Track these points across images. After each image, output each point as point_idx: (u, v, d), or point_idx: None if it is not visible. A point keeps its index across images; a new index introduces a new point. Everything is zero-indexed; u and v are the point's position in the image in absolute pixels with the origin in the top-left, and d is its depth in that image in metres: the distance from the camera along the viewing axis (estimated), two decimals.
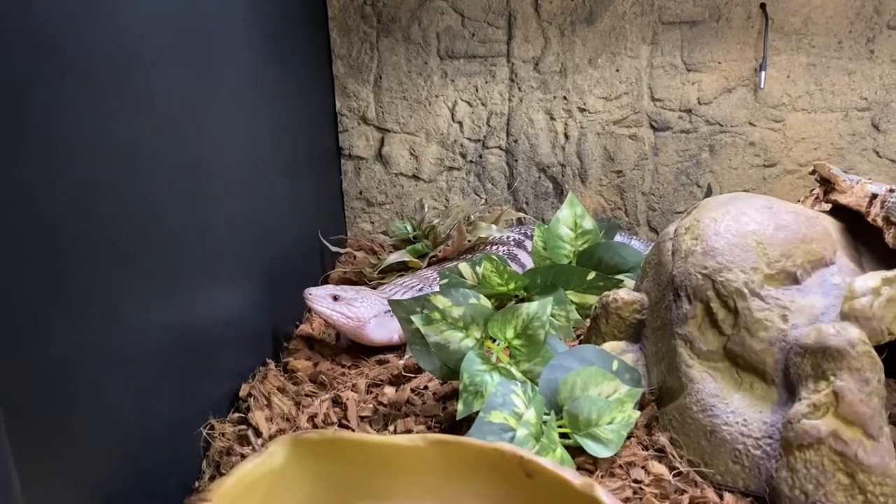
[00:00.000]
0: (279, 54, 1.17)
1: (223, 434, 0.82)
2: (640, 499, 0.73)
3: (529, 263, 1.33)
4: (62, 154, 0.55)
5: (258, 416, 0.86)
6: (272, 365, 1.00)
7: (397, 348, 1.12)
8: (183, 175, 0.77)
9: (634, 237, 1.52)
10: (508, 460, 0.62)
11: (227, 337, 0.90)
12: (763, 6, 1.47)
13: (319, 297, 1.06)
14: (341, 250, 1.46)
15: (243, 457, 0.79)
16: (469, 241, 1.37)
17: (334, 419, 0.89)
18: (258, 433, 0.84)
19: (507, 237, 1.44)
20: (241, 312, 0.95)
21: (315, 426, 0.87)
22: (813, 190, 1.11)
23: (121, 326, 0.63)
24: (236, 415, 0.88)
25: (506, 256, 1.34)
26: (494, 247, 1.39)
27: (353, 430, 0.87)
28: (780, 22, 1.48)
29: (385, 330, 1.09)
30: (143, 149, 0.68)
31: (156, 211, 0.70)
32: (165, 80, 0.74)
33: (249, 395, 0.91)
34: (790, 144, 1.56)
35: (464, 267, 1.21)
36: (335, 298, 1.07)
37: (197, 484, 0.78)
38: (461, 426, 0.84)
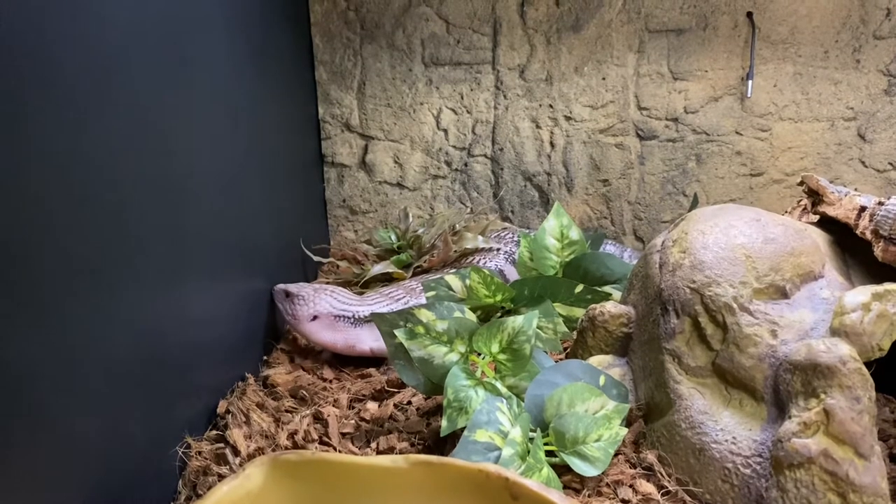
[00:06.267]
0: (260, 60, 1.14)
1: (200, 453, 0.80)
2: None
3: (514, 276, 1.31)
4: (28, 156, 0.52)
5: (236, 434, 0.83)
6: (251, 379, 0.98)
7: (379, 362, 1.09)
8: (155, 179, 0.75)
9: (627, 249, 1.50)
10: (493, 482, 0.60)
11: (204, 350, 0.87)
12: (750, 15, 1.47)
13: (276, 293, 1.09)
14: (324, 259, 1.44)
15: (221, 476, 0.77)
16: (455, 251, 1.35)
17: (315, 436, 0.87)
18: (236, 452, 0.81)
19: (497, 250, 1.41)
20: (218, 325, 0.92)
21: (295, 444, 0.85)
22: (801, 201, 1.10)
23: (87, 338, 0.60)
24: (214, 432, 0.86)
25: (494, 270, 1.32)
26: (481, 259, 1.37)
27: (335, 448, 0.85)
28: (766, 31, 1.48)
29: (329, 333, 1.07)
30: (114, 151, 0.66)
31: (125, 215, 0.68)
32: (140, 82, 0.72)
33: (227, 411, 0.88)
34: (777, 154, 1.55)
35: (452, 279, 1.19)
36: (287, 295, 1.08)
37: None
38: (445, 443, 0.82)
